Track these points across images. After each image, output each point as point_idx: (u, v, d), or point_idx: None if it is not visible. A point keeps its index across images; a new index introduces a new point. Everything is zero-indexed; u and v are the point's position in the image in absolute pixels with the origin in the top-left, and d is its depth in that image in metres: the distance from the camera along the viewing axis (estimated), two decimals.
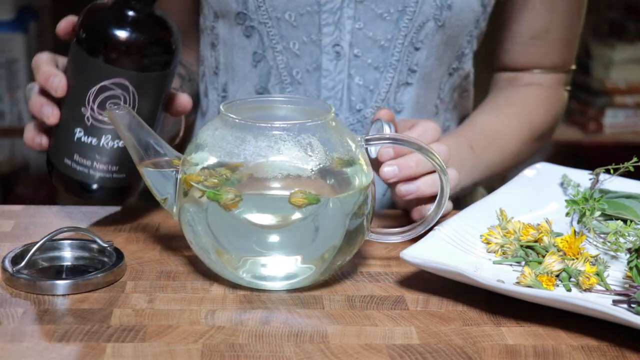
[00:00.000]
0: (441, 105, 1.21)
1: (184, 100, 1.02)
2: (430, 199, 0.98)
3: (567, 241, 0.91)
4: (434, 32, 1.14)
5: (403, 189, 0.98)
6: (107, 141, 0.96)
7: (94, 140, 0.96)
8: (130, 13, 0.95)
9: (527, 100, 1.24)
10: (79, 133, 0.96)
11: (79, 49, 0.96)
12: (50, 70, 0.97)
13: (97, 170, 0.97)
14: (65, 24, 0.99)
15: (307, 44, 1.15)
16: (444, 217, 0.93)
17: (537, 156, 1.29)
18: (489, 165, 1.15)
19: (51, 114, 0.97)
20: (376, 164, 0.98)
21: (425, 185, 0.98)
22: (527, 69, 1.25)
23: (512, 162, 1.21)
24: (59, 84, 0.96)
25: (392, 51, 1.14)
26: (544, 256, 0.90)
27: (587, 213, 0.96)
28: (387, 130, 1.00)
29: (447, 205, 0.98)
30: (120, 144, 0.96)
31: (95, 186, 0.98)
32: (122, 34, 0.94)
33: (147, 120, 0.94)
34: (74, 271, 0.90)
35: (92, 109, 0.95)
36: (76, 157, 0.97)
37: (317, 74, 1.15)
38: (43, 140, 1.00)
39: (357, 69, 1.15)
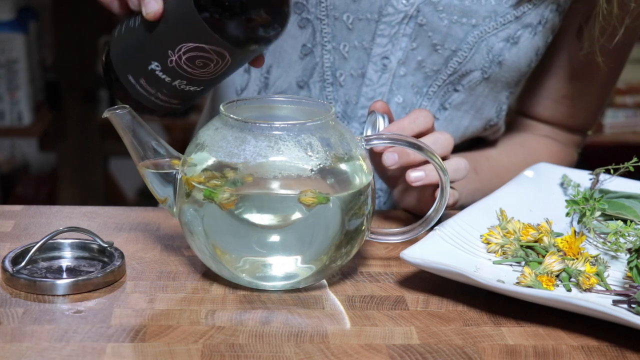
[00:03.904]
0: (459, 145, 1.21)
1: (261, 59, 0.99)
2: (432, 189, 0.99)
3: (567, 241, 0.91)
4: (477, 82, 1.14)
5: (412, 175, 0.96)
6: (180, 84, 0.93)
7: (168, 79, 0.93)
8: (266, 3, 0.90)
9: (539, 148, 1.24)
10: (155, 66, 0.92)
11: (190, 1, 0.89)
12: None
13: (159, 99, 0.95)
14: None
15: (357, 49, 1.14)
16: (444, 216, 0.93)
17: None
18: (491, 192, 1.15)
19: (153, 12, 0.89)
20: (374, 159, 0.98)
21: (433, 172, 0.96)
22: (549, 123, 1.26)
23: None
24: (154, 9, 0.89)
25: (432, 82, 1.14)
26: (544, 256, 0.90)
27: (587, 213, 0.96)
28: (382, 123, 1.00)
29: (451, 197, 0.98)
30: (192, 88, 0.94)
31: (149, 108, 0.96)
32: (248, 18, 0.89)
33: (225, 77, 0.93)
34: (74, 271, 0.90)
35: (179, 57, 0.91)
36: (142, 81, 0.94)
37: (360, 81, 1.15)
38: (120, 9, 0.95)
39: (399, 87, 1.15)
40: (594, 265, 0.89)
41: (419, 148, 0.89)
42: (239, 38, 0.90)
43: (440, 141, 0.99)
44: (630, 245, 0.90)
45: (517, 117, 1.29)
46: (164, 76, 0.93)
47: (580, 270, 0.88)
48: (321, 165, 0.85)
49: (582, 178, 1.06)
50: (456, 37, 1.11)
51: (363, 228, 0.88)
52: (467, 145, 1.24)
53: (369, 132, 1.00)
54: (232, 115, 0.86)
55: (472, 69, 1.13)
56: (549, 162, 1.20)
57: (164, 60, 0.92)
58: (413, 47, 1.12)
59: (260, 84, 1.19)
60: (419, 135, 0.99)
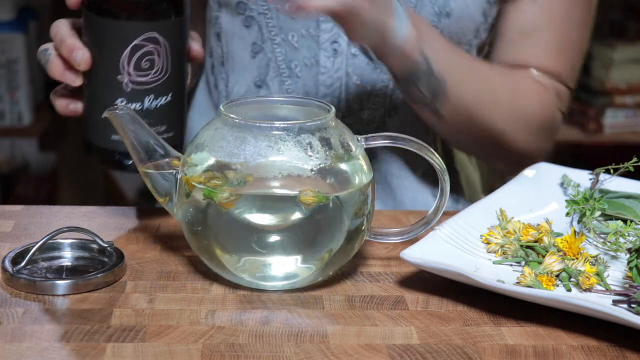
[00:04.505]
0: None
1: (195, 48, 1.01)
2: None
3: (567, 241, 0.91)
4: None
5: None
6: (150, 101, 0.95)
7: (138, 105, 0.95)
8: None
9: (519, 85, 1.15)
10: (121, 103, 0.95)
11: (96, 16, 0.94)
12: (74, 44, 0.95)
13: None
14: None
15: (306, 37, 1.14)
16: (444, 217, 0.93)
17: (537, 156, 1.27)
18: (461, 74, 1.08)
19: (82, 59, 0.95)
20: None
21: None
22: (520, 67, 1.17)
23: (490, 111, 1.11)
24: (82, 57, 0.94)
25: None
26: (544, 256, 0.90)
27: (587, 213, 0.96)
28: None
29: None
30: (164, 100, 0.96)
31: None
32: None
33: (179, 70, 0.95)
34: (74, 271, 0.90)
35: (129, 74, 0.94)
36: None
37: (316, 69, 1.15)
38: (78, 106, 0.99)
39: (354, 68, 1.15)
40: (594, 265, 0.89)
41: (419, 148, 0.89)
42: (146, 7, 0.93)
43: None
44: (630, 245, 0.90)
45: None
46: (134, 105, 0.95)
47: (580, 270, 0.88)
48: (321, 165, 0.85)
49: (582, 178, 1.06)
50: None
51: (363, 228, 0.88)
52: None
53: None
54: (232, 115, 0.86)
55: None
56: (530, 97, 1.13)
57: (121, 88, 0.95)
58: None
59: (227, 94, 1.20)
60: None
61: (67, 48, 0.95)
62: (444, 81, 1.06)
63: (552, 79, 1.18)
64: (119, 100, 0.95)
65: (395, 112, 1.17)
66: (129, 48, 0.93)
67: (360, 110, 1.17)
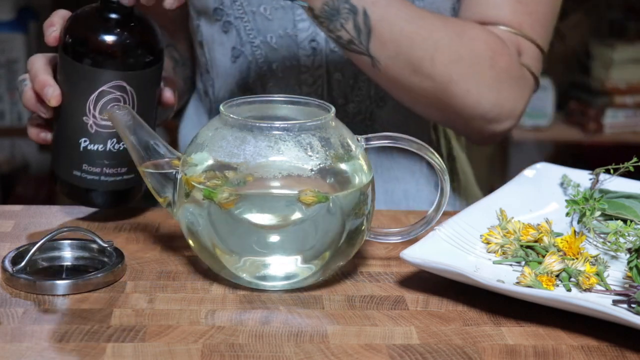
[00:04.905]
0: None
1: (167, 95, 1.04)
2: None
3: (567, 241, 0.91)
4: None
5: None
6: (112, 144, 0.98)
7: (100, 147, 0.98)
8: (116, 15, 0.97)
9: (464, 30, 1.09)
10: (84, 143, 0.98)
11: (70, 59, 0.97)
12: (46, 80, 0.98)
13: (108, 175, 0.99)
14: (55, 34, 1.00)
15: (284, 37, 1.14)
16: (444, 217, 0.93)
17: (538, 156, 1.26)
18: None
19: (52, 96, 0.97)
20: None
21: None
22: (482, 23, 1.12)
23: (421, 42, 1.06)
24: (52, 94, 0.97)
25: None
26: (544, 256, 0.90)
27: (587, 213, 0.96)
28: None
29: None
30: (124, 144, 0.97)
31: (107, 192, 1.00)
32: (113, 37, 0.96)
33: (146, 116, 0.95)
34: (74, 271, 0.90)
35: (94, 116, 0.97)
36: (85, 167, 0.99)
37: (296, 69, 1.15)
38: (48, 136, 1.02)
39: (335, 64, 1.15)
40: (594, 265, 0.89)
41: (419, 148, 0.89)
42: (115, 57, 0.96)
43: None
44: (630, 245, 0.90)
45: None
46: (96, 147, 0.98)
47: (580, 270, 0.88)
48: (321, 165, 0.85)
49: (582, 178, 1.06)
50: None
51: (363, 228, 0.88)
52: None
53: None
54: (232, 115, 0.86)
55: None
56: (476, 37, 1.08)
57: (86, 129, 0.97)
58: None
59: (215, 100, 1.21)
60: None
61: (39, 83, 0.98)
62: (367, 15, 1.02)
63: (514, 33, 1.12)
64: (83, 139, 0.98)
65: (383, 102, 1.18)
66: (95, 93, 0.96)
67: (345, 104, 1.17)
